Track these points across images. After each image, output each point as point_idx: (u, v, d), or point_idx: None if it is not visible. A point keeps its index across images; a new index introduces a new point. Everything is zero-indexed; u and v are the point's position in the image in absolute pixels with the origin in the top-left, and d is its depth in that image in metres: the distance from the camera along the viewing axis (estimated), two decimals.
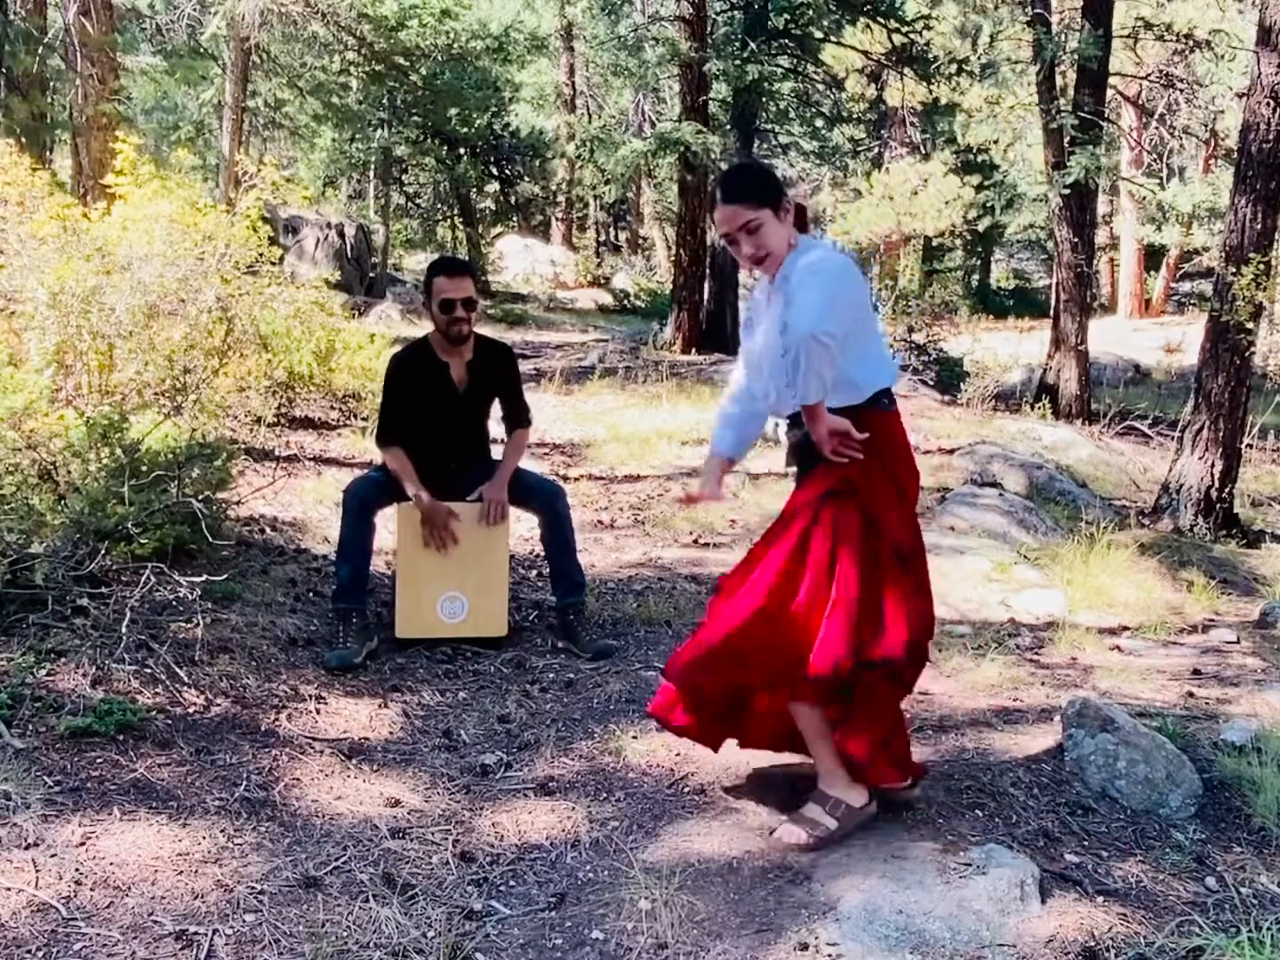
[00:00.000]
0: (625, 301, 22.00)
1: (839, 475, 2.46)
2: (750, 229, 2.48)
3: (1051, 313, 12.11)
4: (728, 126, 14.18)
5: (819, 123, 18.37)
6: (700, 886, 2.37)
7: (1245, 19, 14.18)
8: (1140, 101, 19.15)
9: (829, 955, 2.11)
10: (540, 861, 2.52)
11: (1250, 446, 8.05)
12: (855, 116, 22.53)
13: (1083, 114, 10.72)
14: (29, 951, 2.05)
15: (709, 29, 13.57)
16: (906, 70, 14.37)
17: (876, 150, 25.57)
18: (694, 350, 13.48)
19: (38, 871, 2.26)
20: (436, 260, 4.04)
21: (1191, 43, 12.78)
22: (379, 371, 4.13)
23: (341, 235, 16.93)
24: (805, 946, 2.13)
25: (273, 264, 6.66)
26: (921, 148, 23.84)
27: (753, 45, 12.94)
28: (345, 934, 2.19)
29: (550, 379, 9.96)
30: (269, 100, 16.47)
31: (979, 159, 22.15)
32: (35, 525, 3.47)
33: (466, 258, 21.05)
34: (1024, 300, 26.95)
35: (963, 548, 5.24)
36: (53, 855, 2.32)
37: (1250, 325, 6.77)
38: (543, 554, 4.31)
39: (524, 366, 4.32)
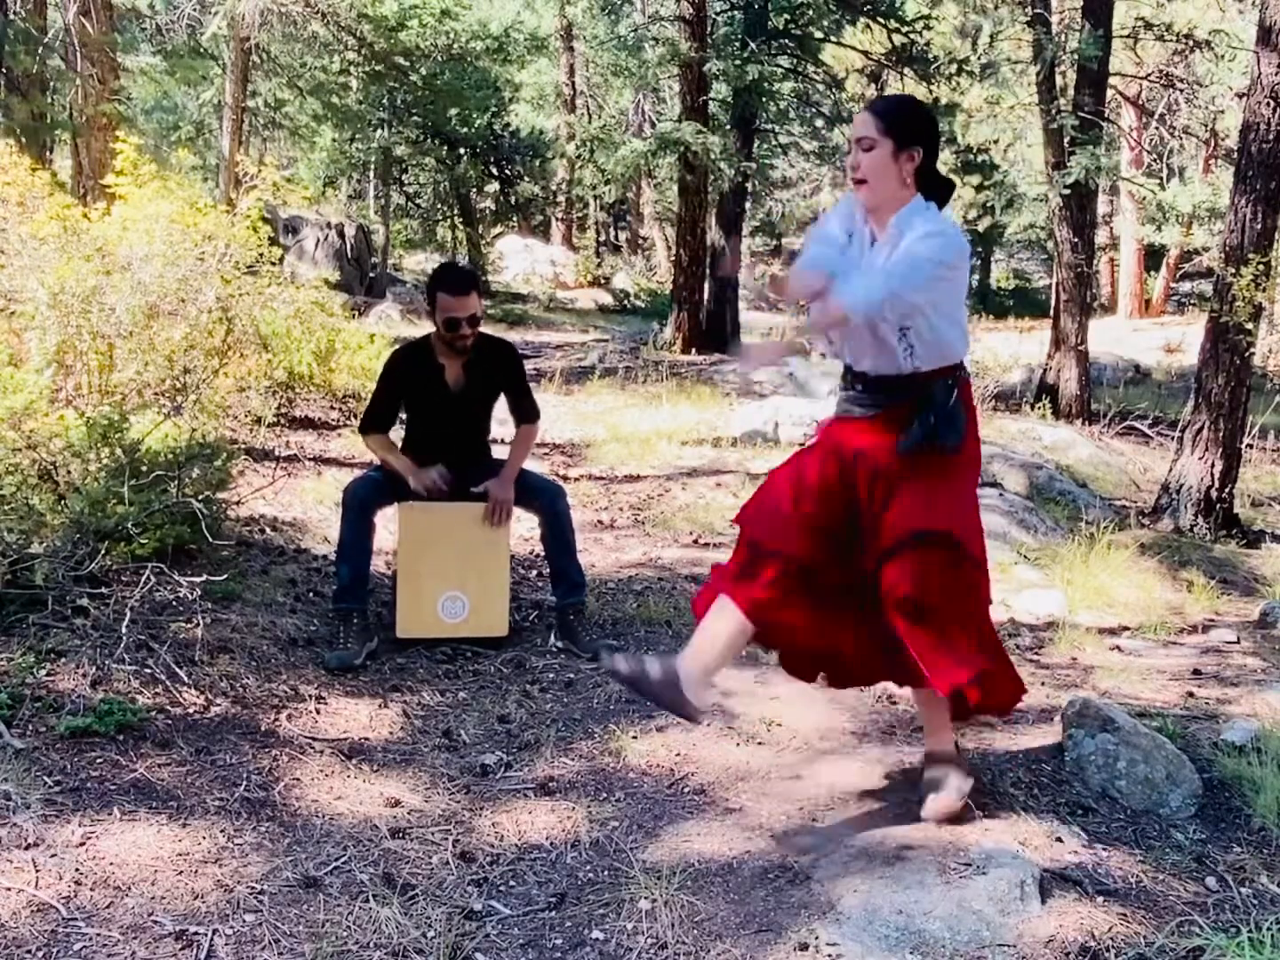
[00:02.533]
0: (625, 301, 21.99)
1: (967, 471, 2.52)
2: (864, 146, 2.44)
3: (1051, 313, 12.10)
4: (728, 126, 14.16)
5: (819, 123, 18.35)
6: (700, 886, 2.37)
7: (1245, 19, 14.17)
8: (1140, 101, 19.15)
9: (829, 955, 2.11)
10: (540, 861, 2.52)
11: (1250, 446, 8.04)
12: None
13: (1083, 114, 10.70)
14: (29, 951, 2.05)
15: (709, 29, 13.56)
16: (906, 70, 14.33)
17: None
18: (694, 350, 13.48)
19: (38, 871, 2.26)
20: (440, 273, 3.92)
21: (1191, 43, 12.76)
22: (379, 371, 4.14)
23: (341, 235, 16.95)
24: (805, 946, 2.13)
25: (273, 264, 6.66)
26: None
27: (753, 45, 12.92)
28: (345, 934, 2.19)
29: (550, 379, 9.96)
30: (269, 100, 16.45)
31: (979, 159, 22.17)
32: (35, 525, 3.47)
33: (467, 258, 21.05)
34: (1024, 300, 26.95)
35: None
36: (53, 855, 2.32)
37: (1250, 325, 6.76)
38: (543, 554, 4.31)
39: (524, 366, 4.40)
